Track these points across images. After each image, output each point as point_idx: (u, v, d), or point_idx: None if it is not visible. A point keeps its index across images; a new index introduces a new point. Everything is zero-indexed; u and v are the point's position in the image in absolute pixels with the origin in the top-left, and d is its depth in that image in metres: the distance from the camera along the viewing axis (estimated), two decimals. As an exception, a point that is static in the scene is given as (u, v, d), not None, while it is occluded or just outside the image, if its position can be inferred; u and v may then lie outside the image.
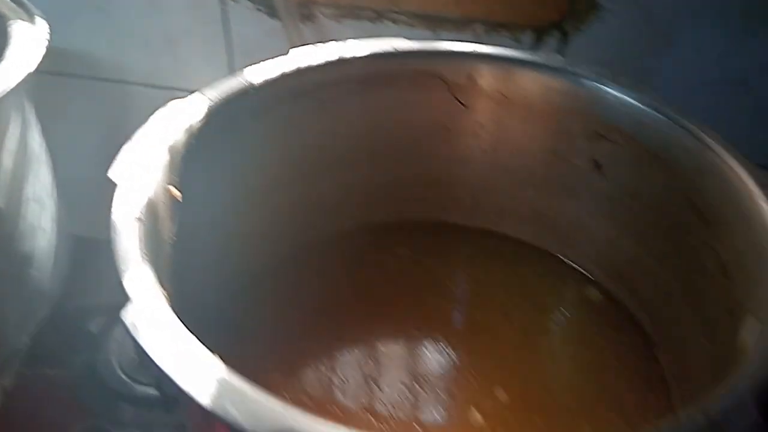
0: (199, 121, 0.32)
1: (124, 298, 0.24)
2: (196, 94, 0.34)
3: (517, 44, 0.45)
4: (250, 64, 0.36)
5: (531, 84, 0.38)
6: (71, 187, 0.48)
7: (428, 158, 0.42)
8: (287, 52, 0.37)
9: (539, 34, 0.45)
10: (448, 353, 0.37)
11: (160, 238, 0.29)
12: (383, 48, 0.38)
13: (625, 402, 0.33)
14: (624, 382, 0.35)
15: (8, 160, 0.37)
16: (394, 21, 0.45)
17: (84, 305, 0.48)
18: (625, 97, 0.36)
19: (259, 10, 0.47)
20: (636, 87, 0.36)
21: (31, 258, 0.39)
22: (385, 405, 0.34)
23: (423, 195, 0.43)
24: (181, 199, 0.30)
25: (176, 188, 0.31)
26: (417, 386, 0.35)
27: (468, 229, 0.44)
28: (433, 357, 0.37)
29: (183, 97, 0.33)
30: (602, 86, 0.36)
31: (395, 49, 0.38)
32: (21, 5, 0.41)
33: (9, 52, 0.37)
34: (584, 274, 0.41)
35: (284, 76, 0.36)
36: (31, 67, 0.37)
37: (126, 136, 0.31)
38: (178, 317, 0.23)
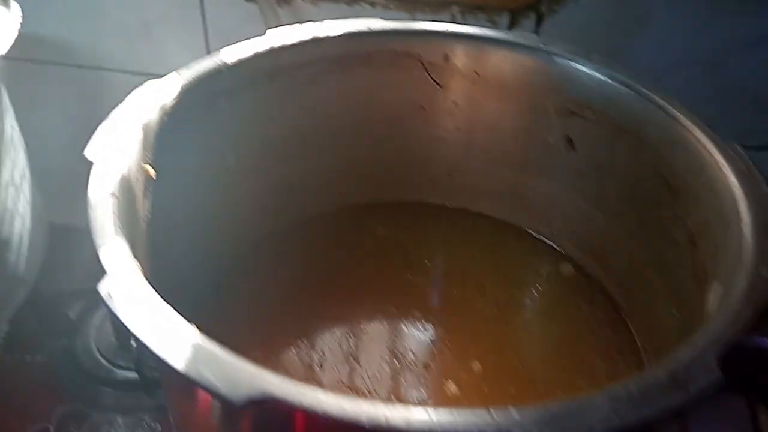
0: (172, 100, 0.32)
1: (101, 275, 0.24)
2: (171, 74, 0.34)
3: (493, 26, 0.45)
4: (228, 49, 0.36)
5: (505, 63, 0.39)
6: (47, 174, 0.48)
7: (404, 138, 0.42)
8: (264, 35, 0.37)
9: (515, 16, 0.45)
10: (425, 329, 0.37)
11: (135, 214, 0.29)
12: (358, 28, 0.38)
13: (598, 371, 0.34)
14: (597, 353, 0.35)
15: (-19, 144, 0.37)
16: (371, 4, 0.45)
17: (62, 291, 0.48)
18: (597, 74, 0.36)
19: (236, -7, 0.47)
20: (607, 64, 0.36)
21: (7, 242, 0.39)
22: (364, 380, 0.34)
23: (400, 175, 0.44)
24: (155, 177, 0.30)
25: (151, 166, 0.31)
26: (395, 361, 0.35)
27: (445, 208, 0.44)
28: (411, 333, 0.37)
29: (160, 80, 0.33)
30: (574, 64, 0.37)
31: (370, 29, 0.38)
32: (-7, -11, 0.40)
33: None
34: (558, 250, 0.42)
35: (258, 56, 0.36)
36: (2, 51, 0.36)
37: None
38: (155, 291, 0.23)
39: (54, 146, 0.48)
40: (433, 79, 0.41)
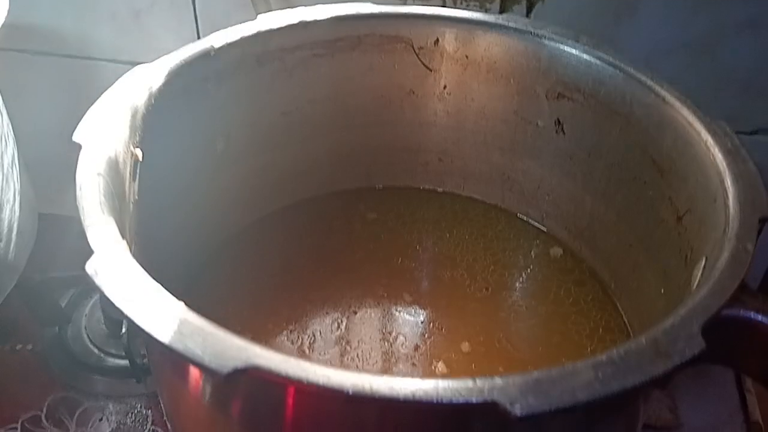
0: (161, 84, 0.32)
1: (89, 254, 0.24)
2: (160, 59, 0.34)
3: (484, 11, 0.45)
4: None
5: (495, 46, 0.39)
6: (38, 163, 0.47)
7: (395, 123, 0.42)
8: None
9: (505, 2, 0.45)
10: (415, 312, 0.37)
11: (123, 196, 0.29)
12: (347, 11, 0.38)
13: (587, 351, 0.34)
14: (585, 333, 0.36)
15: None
16: (364, -10, 0.45)
17: (53, 280, 0.48)
18: (586, 57, 0.36)
19: (226, -19, 0.47)
20: (596, 46, 0.36)
21: (-5, 229, 0.39)
22: (354, 361, 0.35)
23: (389, 159, 0.44)
24: (141, 159, 0.30)
25: (139, 149, 0.31)
26: (385, 343, 0.36)
27: (435, 192, 0.44)
28: (401, 316, 0.37)
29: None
30: (564, 46, 0.37)
31: (360, 13, 0.38)
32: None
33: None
34: (547, 233, 0.42)
35: (246, 40, 0.36)
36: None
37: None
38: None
39: (44, 136, 0.47)
40: (423, 63, 0.41)
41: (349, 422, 0.22)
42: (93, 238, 0.24)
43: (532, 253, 0.41)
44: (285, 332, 0.36)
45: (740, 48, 0.44)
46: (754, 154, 0.29)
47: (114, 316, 0.45)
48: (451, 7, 0.44)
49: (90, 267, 0.22)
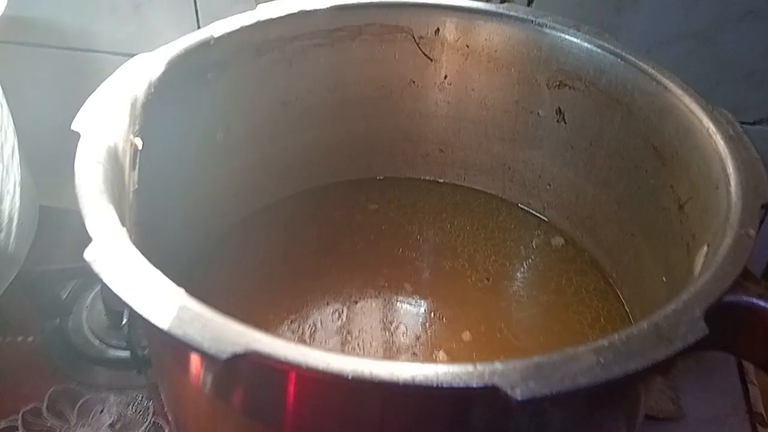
0: (160, 74, 0.32)
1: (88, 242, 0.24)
2: (160, 48, 0.34)
3: (485, 1, 0.45)
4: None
5: (496, 35, 0.39)
6: (38, 156, 0.47)
7: (395, 113, 0.42)
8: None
9: (507, -7, 0.45)
10: (416, 302, 0.37)
11: (123, 184, 0.29)
12: (348, 1, 0.38)
13: (588, 340, 0.34)
14: (587, 323, 0.36)
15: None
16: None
17: (54, 273, 0.48)
18: (587, 45, 0.36)
19: (226, -28, 0.46)
20: (597, 35, 0.36)
21: (-4, 221, 0.39)
22: (355, 352, 0.34)
23: (390, 150, 0.44)
24: (141, 148, 0.30)
25: (137, 138, 0.31)
26: (386, 333, 0.35)
27: (435, 183, 0.44)
28: (403, 306, 0.37)
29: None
30: (565, 35, 0.37)
31: (360, 2, 0.38)
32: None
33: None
34: (548, 223, 0.42)
35: (245, 29, 0.35)
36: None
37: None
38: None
39: (44, 129, 0.47)
40: (424, 53, 0.40)
41: (350, 409, 0.22)
42: (92, 226, 0.24)
43: (534, 243, 0.41)
44: (286, 322, 0.36)
45: (742, 37, 0.44)
46: (756, 144, 0.29)
47: (115, 307, 0.45)
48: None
49: (89, 254, 0.22)
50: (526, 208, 0.43)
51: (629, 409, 0.26)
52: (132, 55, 0.34)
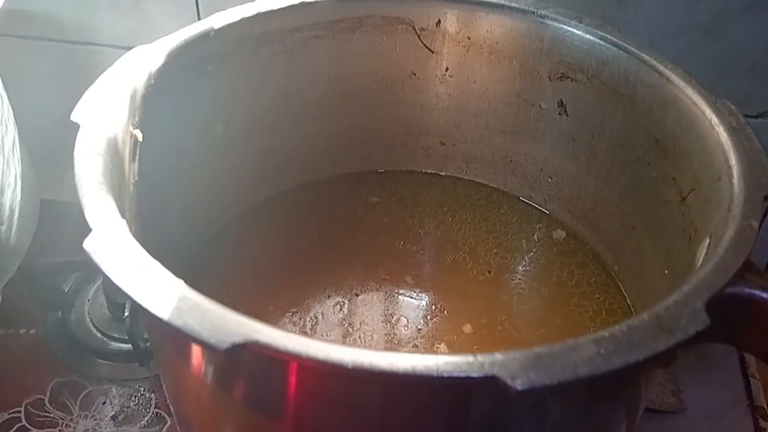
0: (160, 65, 0.32)
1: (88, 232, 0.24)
2: (160, 40, 0.34)
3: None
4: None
5: (497, 27, 0.39)
6: (40, 149, 0.47)
7: (396, 106, 0.42)
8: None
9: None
10: (418, 295, 0.37)
11: (122, 176, 0.29)
12: (349, -8, 0.38)
13: (590, 333, 0.34)
14: (589, 315, 0.36)
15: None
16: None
17: (56, 265, 0.48)
18: (589, 37, 0.36)
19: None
20: (599, 26, 0.36)
21: (-3, 213, 0.39)
22: (356, 344, 0.34)
23: (391, 143, 0.43)
24: (141, 139, 0.30)
25: (137, 129, 0.30)
26: (387, 326, 0.35)
27: (437, 176, 0.44)
28: (404, 299, 0.37)
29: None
30: (567, 27, 0.37)
31: (360, -6, 0.38)
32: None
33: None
34: (549, 216, 0.42)
35: (245, 21, 0.35)
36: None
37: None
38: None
39: (45, 122, 0.47)
40: (425, 45, 0.40)
41: (350, 399, 0.22)
42: (91, 216, 0.24)
43: (535, 236, 0.41)
44: (287, 315, 0.36)
45: (745, 30, 0.43)
46: (759, 137, 0.29)
47: (116, 300, 0.45)
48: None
49: (88, 244, 0.22)
50: (527, 201, 0.42)
51: (630, 401, 0.26)
52: (132, 48, 0.34)
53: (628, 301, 0.36)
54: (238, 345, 0.19)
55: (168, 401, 0.40)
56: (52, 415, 0.41)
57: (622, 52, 0.35)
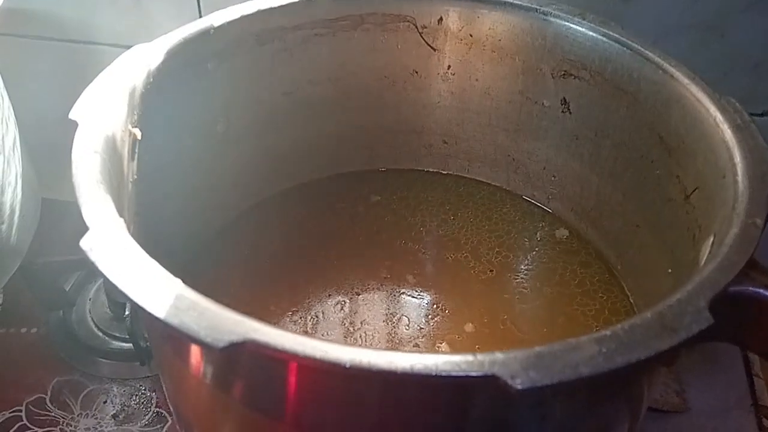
0: (159, 63, 0.32)
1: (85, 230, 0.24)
2: (160, 38, 0.33)
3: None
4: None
5: (500, 24, 0.38)
6: (41, 148, 0.47)
7: (398, 104, 0.42)
8: None
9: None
10: (419, 294, 0.37)
11: (121, 175, 0.28)
12: (350, -10, 0.38)
13: (593, 332, 0.34)
14: (591, 315, 0.35)
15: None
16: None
17: (57, 265, 0.48)
18: (592, 33, 0.36)
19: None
20: (602, 23, 0.36)
21: (-2, 212, 0.39)
22: (357, 344, 0.34)
23: (393, 141, 0.43)
24: (140, 138, 0.30)
25: (136, 128, 0.30)
26: (389, 325, 0.35)
27: (439, 174, 0.44)
28: (405, 298, 0.37)
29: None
30: (570, 24, 0.36)
31: (361, -9, 0.38)
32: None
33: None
34: (552, 214, 0.41)
35: (245, 18, 0.35)
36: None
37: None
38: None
39: (45, 121, 0.47)
40: (427, 43, 0.40)
41: (349, 399, 0.22)
42: (88, 215, 0.23)
43: (538, 234, 0.40)
44: (288, 314, 0.36)
45: (750, 27, 0.43)
46: (764, 135, 0.29)
47: (117, 299, 0.45)
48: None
49: (85, 243, 0.22)
50: (530, 199, 0.42)
51: (633, 401, 0.25)
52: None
53: (631, 300, 0.36)
54: (235, 344, 0.18)
55: (168, 401, 0.40)
56: (53, 414, 0.41)
57: (625, 49, 0.34)
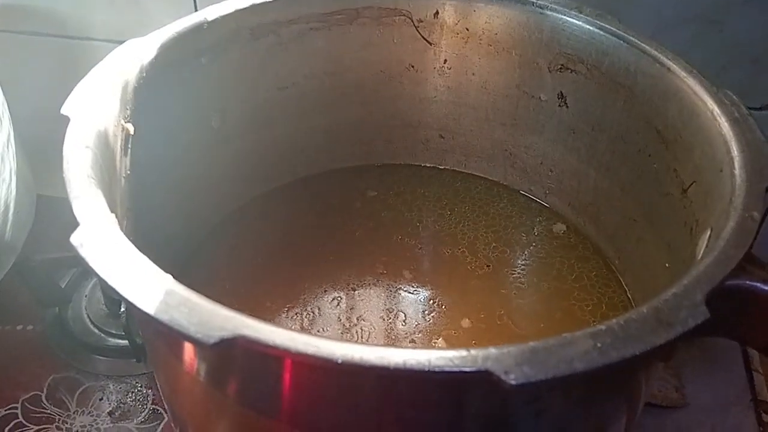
0: (152, 58, 0.32)
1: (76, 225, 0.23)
2: (154, 33, 0.33)
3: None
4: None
5: (496, 18, 0.38)
6: (36, 145, 0.47)
7: (394, 99, 0.42)
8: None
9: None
10: (416, 289, 0.37)
11: (113, 170, 0.28)
12: (344, -17, 0.37)
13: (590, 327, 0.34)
14: (589, 309, 0.35)
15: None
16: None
17: (53, 262, 0.47)
18: (589, 27, 0.35)
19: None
20: (599, 17, 0.35)
21: (-8, 209, 0.39)
22: (353, 340, 0.34)
23: (389, 136, 0.43)
24: (132, 133, 0.30)
25: (129, 123, 0.30)
26: (385, 321, 0.35)
27: (436, 169, 0.44)
28: (402, 293, 0.37)
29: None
30: (566, 17, 0.36)
31: (357, -15, 0.38)
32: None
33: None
34: (550, 209, 0.41)
35: (239, 12, 0.35)
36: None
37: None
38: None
39: (41, 118, 0.47)
40: (423, 37, 0.40)
41: (343, 396, 0.22)
42: (79, 211, 0.23)
43: (535, 229, 0.40)
44: (284, 311, 0.36)
45: (748, 21, 0.43)
46: (762, 129, 0.28)
47: (113, 296, 0.45)
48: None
49: (75, 239, 0.22)
50: (527, 194, 0.42)
51: (630, 396, 0.25)
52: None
53: (629, 295, 0.36)
54: (226, 340, 0.18)
55: (162, 399, 0.40)
56: (48, 411, 0.41)
57: (622, 42, 0.34)
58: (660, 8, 0.43)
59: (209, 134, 0.37)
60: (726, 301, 0.22)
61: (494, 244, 0.39)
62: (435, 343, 0.33)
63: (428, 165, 0.44)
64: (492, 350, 0.18)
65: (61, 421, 0.40)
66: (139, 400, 0.41)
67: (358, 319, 0.35)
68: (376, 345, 0.19)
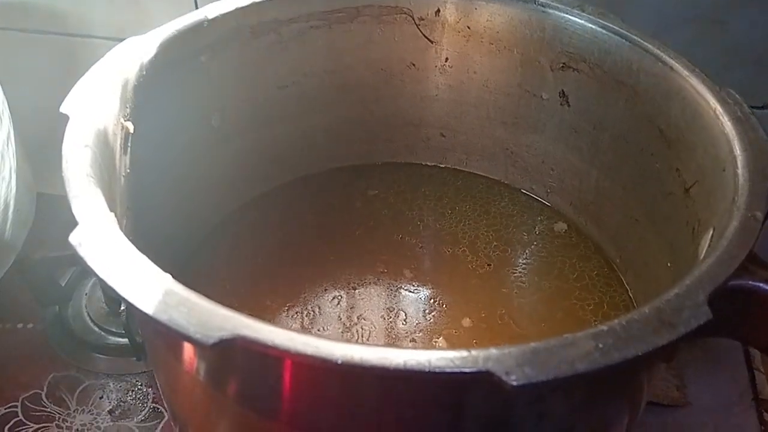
0: (152, 56, 0.32)
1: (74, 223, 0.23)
2: (154, 31, 0.33)
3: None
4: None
5: (497, 16, 0.38)
6: (35, 143, 0.47)
7: (395, 97, 0.41)
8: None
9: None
10: (417, 288, 0.37)
11: (113, 169, 0.28)
12: (345, -19, 0.37)
13: (591, 327, 0.33)
14: (590, 309, 0.35)
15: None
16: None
17: (53, 260, 0.47)
18: (591, 26, 0.35)
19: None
20: (601, 15, 0.35)
21: (-8, 207, 0.39)
22: (354, 339, 0.34)
23: (390, 135, 0.43)
24: (132, 131, 0.30)
25: (128, 122, 0.30)
26: (386, 320, 0.35)
27: (437, 168, 0.44)
28: (402, 292, 0.36)
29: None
30: (568, 16, 0.36)
31: (358, -17, 0.37)
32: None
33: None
34: (551, 208, 0.41)
35: (240, 11, 0.35)
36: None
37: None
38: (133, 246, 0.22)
39: (41, 116, 0.47)
40: (424, 35, 0.40)
41: (343, 396, 0.22)
42: (78, 210, 0.23)
43: (536, 228, 0.40)
44: (284, 309, 0.36)
45: (751, 21, 0.43)
46: (765, 128, 0.28)
47: (113, 294, 0.44)
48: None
49: (74, 238, 0.22)
50: (528, 193, 0.42)
51: (632, 396, 0.25)
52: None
53: (631, 295, 0.36)
54: (225, 340, 0.18)
55: (162, 398, 0.40)
56: (48, 410, 0.40)
57: (624, 41, 0.34)
58: (662, 8, 0.43)
59: (209, 133, 0.37)
60: (728, 301, 0.22)
61: (495, 243, 0.39)
62: (436, 342, 0.33)
63: (429, 164, 0.44)
64: (493, 351, 0.18)
65: (61, 420, 0.40)
66: (139, 398, 0.41)
67: (358, 318, 0.35)
68: (376, 345, 0.18)
